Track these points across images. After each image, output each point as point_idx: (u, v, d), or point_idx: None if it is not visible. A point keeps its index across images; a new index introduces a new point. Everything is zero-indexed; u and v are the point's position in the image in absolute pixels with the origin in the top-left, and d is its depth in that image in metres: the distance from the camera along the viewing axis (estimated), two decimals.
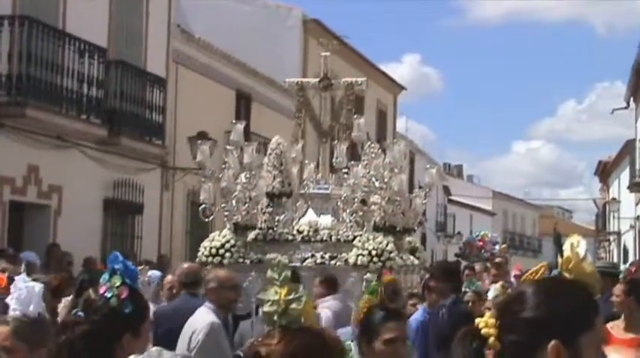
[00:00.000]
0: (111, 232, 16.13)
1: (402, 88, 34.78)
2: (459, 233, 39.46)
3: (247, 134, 18.11)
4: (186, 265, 8.46)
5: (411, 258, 8.26)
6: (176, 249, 18.15)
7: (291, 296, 2.42)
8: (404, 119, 38.10)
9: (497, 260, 11.56)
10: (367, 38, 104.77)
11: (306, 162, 7.99)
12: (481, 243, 15.15)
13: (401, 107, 35.37)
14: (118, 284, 2.95)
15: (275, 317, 2.41)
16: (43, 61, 13.53)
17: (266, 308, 2.45)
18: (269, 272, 2.51)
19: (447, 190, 43.89)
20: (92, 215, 15.43)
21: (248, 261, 7.25)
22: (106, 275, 3.01)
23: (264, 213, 7.45)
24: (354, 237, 7.20)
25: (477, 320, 2.05)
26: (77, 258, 13.30)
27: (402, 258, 7.81)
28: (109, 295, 2.94)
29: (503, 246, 16.38)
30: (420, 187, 9.33)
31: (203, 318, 6.06)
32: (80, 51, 14.46)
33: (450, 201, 44.88)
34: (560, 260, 2.63)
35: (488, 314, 2.05)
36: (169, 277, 8.83)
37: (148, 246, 16.81)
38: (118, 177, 16.20)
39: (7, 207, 13.52)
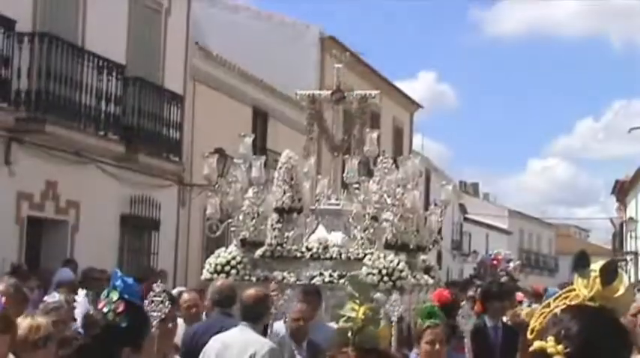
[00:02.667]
0: (128, 248, 16.20)
1: (418, 105, 34.71)
2: (474, 251, 39.24)
3: (264, 151, 18.18)
4: (219, 282, 7.40)
5: (425, 276, 8.08)
6: (192, 265, 18.16)
7: (370, 317, 2.44)
8: (420, 137, 37.97)
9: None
10: (383, 55, 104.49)
11: (319, 177, 7.87)
12: (495, 262, 15.06)
13: (417, 125, 35.33)
14: (115, 298, 2.99)
15: (349, 334, 2.44)
16: (62, 78, 13.66)
17: (341, 323, 2.47)
18: (348, 288, 2.54)
19: (462, 208, 43.69)
20: (109, 231, 15.50)
21: (254, 279, 7.10)
22: (105, 292, 3.06)
23: (273, 229, 7.30)
24: (365, 255, 7.04)
25: (540, 343, 2.00)
26: None
27: (415, 276, 7.62)
28: (105, 310, 2.99)
29: (517, 262, 16.27)
30: (436, 205, 9.15)
31: (261, 341, 5.83)
32: (99, 67, 14.59)
33: (466, 220, 44.65)
34: (597, 286, 2.34)
35: (551, 338, 2.00)
36: (186, 295, 7.80)
37: (164, 262, 16.85)
38: (135, 193, 16.28)
39: (25, 223, 13.61)
